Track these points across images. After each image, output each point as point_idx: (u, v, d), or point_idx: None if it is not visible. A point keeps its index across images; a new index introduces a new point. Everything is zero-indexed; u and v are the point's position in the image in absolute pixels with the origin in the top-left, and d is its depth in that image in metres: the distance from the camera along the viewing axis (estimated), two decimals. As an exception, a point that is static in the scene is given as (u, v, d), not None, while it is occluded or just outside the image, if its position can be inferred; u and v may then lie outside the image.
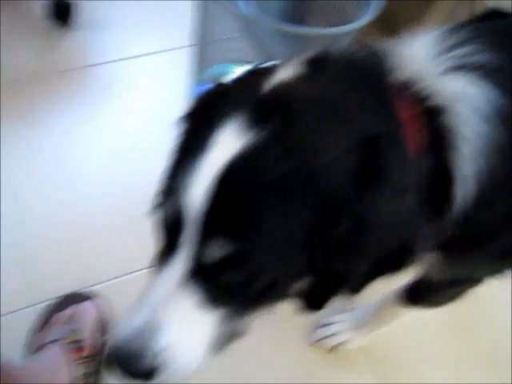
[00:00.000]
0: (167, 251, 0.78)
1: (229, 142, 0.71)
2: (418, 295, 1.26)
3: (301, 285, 0.81)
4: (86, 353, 1.36)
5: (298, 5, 1.97)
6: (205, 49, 1.85)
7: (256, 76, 0.80)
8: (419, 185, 0.76)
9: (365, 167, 0.71)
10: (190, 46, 1.98)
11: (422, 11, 2.14)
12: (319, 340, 1.56)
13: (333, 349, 1.56)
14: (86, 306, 1.46)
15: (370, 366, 1.56)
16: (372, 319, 1.47)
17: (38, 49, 2.11)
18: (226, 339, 0.84)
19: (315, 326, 1.59)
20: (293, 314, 1.52)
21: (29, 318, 1.46)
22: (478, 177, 0.78)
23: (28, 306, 1.50)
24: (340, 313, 1.58)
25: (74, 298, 1.47)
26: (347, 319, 1.55)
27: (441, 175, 0.78)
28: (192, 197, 0.72)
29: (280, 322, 1.60)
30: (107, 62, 2.12)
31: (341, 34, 1.58)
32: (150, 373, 0.79)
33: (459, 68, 0.78)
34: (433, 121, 0.77)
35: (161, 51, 2.17)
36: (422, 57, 0.80)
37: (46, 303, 1.48)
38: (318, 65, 0.80)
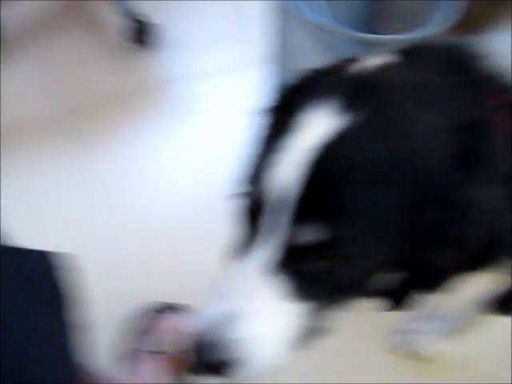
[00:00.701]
0: (251, 238, 0.76)
1: (321, 124, 0.69)
2: (506, 302, 1.22)
3: (388, 277, 0.79)
4: (182, 365, 1.38)
5: (370, 11, 1.97)
6: (280, 61, 1.88)
7: (345, 64, 0.79)
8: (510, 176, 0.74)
9: (463, 152, 0.70)
10: (266, 59, 2.00)
11: (495, 10, 2.10)
12: (401, 346, 1.55)
13: (415, 355, 1.54)
14: (180, 318, 1.46)
15: (454, 374, 1.53)
16: (458, 325, 1.44)
17: (118, 69, 2.20)
18: (307, 335, 0.81)
19: (398, 332, 1.57)
20: (374, 319, 1.54)
21: (120, 327, 1.50)
22: None
23: (118, 317, 1.54)
24: (424, 319, 1.56)
25: (167, 310, 1.48)
26: (431, 325, 1.53)
27: None
28: (283, 180, 0.70)
29: (361, 326, 1.58)
30: (184, 79, 2.19)
31: (418, 39, 1.57)
32: (228, 365, 0.76)
33: None
34: None
35: (237, 66, 2.21)
36: (507, 51, 0.80)
37: (138, 314, 1.52)
38: (408, 55, 0.80)
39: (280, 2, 1.73)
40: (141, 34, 2.21)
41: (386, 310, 0.87)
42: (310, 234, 0.69)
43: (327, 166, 0.68)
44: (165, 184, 1.88)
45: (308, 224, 0.69)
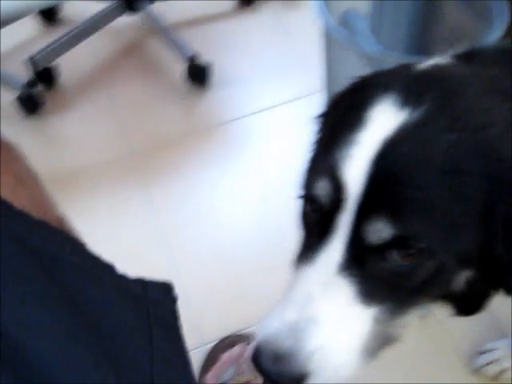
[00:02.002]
0: (316, 240, 0.73)
1: (386, 118, 0.68)
2: None
3: (459, 277, 0.75)
4: None
5: (422, 35, 1.97)
6: (333, 91, 1.90)
7: (404, 67, 0.79)
8: None
9: None
10: (320, 91, 2.03)
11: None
12: (482, 367, 1.51)
13: (497, 377, 1.49)
14: (251, 347, 1.43)
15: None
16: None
17: (178, 111, 2.27)
18: (378, 343, 0.76)
19: (477, 352, 1.54)
20: (453, 340, 1.51)
21: (195, 358, 1.52)
22: None
23: (195, 348, 1.56)
24: (500, 338, 1.53)
25: (239, 339, 1.49)
26: (507, 345, 1.49)
27: None
28: (349, 177, 0.68)
29: (440, 346, 1.58)
30: (243, 117, 2.23)
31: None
32: (300, 377, 0.71)
33: None
34: None
35: (293, 99, 2.24)
36: None
37: (211, 344, 1.54)
38: (464, 57, 0.81)
39: (329, 33, 1.77)
40: (197, 74, 2.29)
41: (454, 315, 0.86)
42: (378, 232, 0.67)
43: (395, 159, 0.66)
44: (223, 220, 1.92)
45: (375, 222, 0.67)
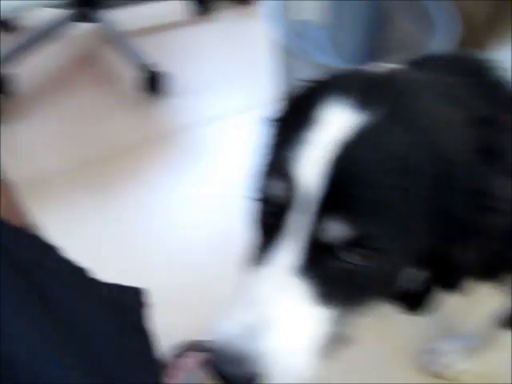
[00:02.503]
0: (272, 241, 0.73)
1: (342, 120, 0.69)
2: None
3: (412, 276, 0.77)
4: None
5: (377, 46, 2.02)
6: (286, 100, 1.92)
7: (358, 71, 0.80)
8: None
9: (485, 144, 0.71)
10: (274, 99, 2.06)
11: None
12: (428, 364, 1.56)
13: (442, 374, 1.55)
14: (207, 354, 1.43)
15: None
16: (478, 343, 1.47)
17: (133, 119, 2.27)
18: (333, 343, 0.77)
19: (423, 350, 1.59)
20: (402, 339, 1.55)
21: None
22: None
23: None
24: (448, 337, 1.59)
25: (197, 347, 1.49)
26: (454, 343, 1.55)
27: None
28: (305, 177, 0.69)
29: (385, 345, 1.62)
30: (198, 125, 2.25)
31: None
32: (256, 379, 0.71)
33: None
34: None
35: (247, 108, 2.28)
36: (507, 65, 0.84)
37: (168, 352, 1.53)
38: (417, 64, 0.84)
39: (285, 44, 1.80)
40: (152, 83, 2.30)
41: (406, 314, 0.87)
42: (335, 232, 0.68)
43: (350, 161, 0.67)
44: (182, 227, 1.94)
45: (333, 222, 0.68)
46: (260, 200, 0.77)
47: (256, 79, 2.34)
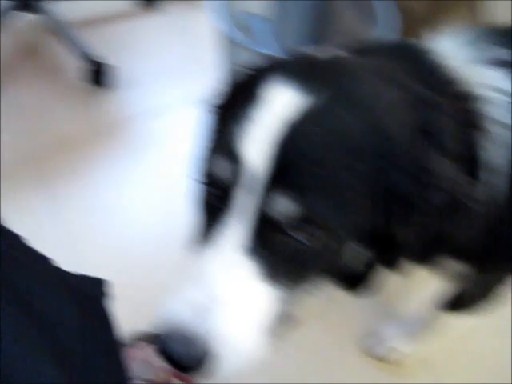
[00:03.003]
0: (219, 221, 0.73)
1: (287, 101, 0.70)
2: (451, 302, 1.30)
3: (357, 255, 0.79)
4: None
5: (318, 38, 2.04)
6: (230, 90, 1.93)
7: (301, 55, 0.82)
8: (461, 157, 0.78)
9: (424, 125, 0.74)
10: (218, 90, 2.07)
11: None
12: (372, 348, 1.61)
13: (385, 357, 1.60)
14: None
15: (426, 372, 1.60)
16: (418, 326, 1.52)
17: (77, 111, 2.24)
18: (279, 322, 0.78)
19: (367, 334, 1.64)
20: (346, 324, 1.59)
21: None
22: (503, 168, 0.82)
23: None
24: (389, 322, 1.63)
25: (145, 338, 1.48)
26: (397, 328, 1.60)
27: (472, 158, 0.81)
28: (252, 156, 0.69)
29: (331, 331, 1.66)
30: (144, 116, 2.24)
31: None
32: (207, 358, 0.70)
33: (485, 61, 0.85)
34: (469, 104, 0.82)
35: (192, 99, 2.26)
36: (450, 49, 0.87)
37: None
38: (358, 50, 0.86)
39: (229, 36, 1.82)
40: (97, 75, 2.27)
41: (348, 293, 0.89)
42: (282, 209, 0.69)
43: (296, 140, 0.68)
44: (127, 217, 1.93)
45: (279, 199, 0.68)
46: (206, 181, 0.77)
47: (202, 71, 2.34)
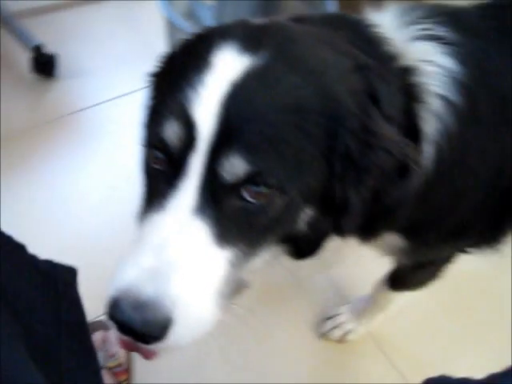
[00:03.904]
0: (166, 186, 0.72)
1: (230, 62, 0.70)
2: (398, 280, 1.35)
3: (305, 218, 0.79)
4: (125, 376, 1.41)
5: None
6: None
7: (239, 21, 0.81)
8: (402, 125, 0.80)
9: (365, 88, 0.75)
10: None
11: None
12: (328, 331, 1.63)
13: (342, 339, 1.62)
14: (112, 332, 1.41)
15: (382, 350, 1.64)
16: (370, 307, 1.55)
17: (27, 101, 2.21)
18: (231, 289, 0.76)
19: (323, 318, 1.66)
20: (300, 309, 1.61)
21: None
22: (438, 138, 0.84)
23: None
24: (341, 305, 1.67)
25: (99, 325, 1.47)
26: (348, 310, 1.63)
27: (411, 128, 0.83)
28: (200, 117, 0.68)
29: (289, 315, 1.68)
30: (94, 105, 2.22)
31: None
32: (165, 324, 0.67)
33: (424, 37, 0.87)
34: (407, 77, 0.84)
35: (141, 88, 2.23)
36: (391, 25, 0.89)
37: None
38: (295, 19, 0.86)
39: (175, 23, 1.82)
40: (45, 65, 2.24)
41: (293, 259, 0.89)
42: (233, 169, 0.68)
43: (243, 100, 0.68)
44: (81, 205, 1.92)
45: (230, 158, 0.68)
46: (151, 144, 0.75)
47: (151, 59, 2.30)
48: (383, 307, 1.50)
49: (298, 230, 0.81)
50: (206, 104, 0.68)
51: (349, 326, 1.61)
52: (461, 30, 0.90)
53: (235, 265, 0.74)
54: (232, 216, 0.72)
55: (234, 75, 0.69)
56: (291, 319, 1.68)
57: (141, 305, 0.66)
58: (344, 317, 1.63)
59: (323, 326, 1.65)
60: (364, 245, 1.06)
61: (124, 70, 2.34)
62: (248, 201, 0.71)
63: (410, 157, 0.78)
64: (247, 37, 0.73)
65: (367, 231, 0.95)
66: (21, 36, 2.24)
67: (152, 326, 0.67)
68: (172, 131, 0.70)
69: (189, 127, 0.69)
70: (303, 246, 0.86)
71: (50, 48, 2.24)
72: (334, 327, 1.63)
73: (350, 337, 1.62)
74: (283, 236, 0.81)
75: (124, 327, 0.68)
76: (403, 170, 0.78)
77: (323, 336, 1.64)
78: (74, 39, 2.45)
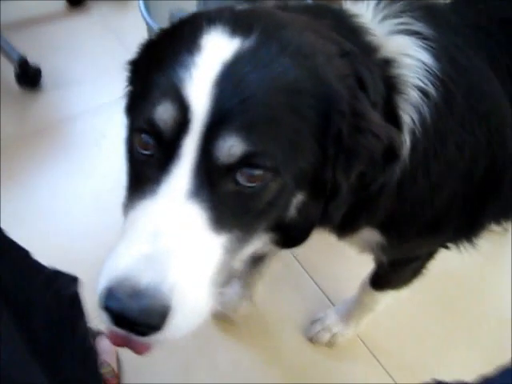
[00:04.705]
0: (157, 171, 0.69)
1: (219, 44, 0.70)
2: (381, 279, 1.36)
3: (296, 203, 0.79)
4: (116, 382, 1.41)
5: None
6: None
7: (224, 7, 0.81)
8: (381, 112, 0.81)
9: (352, 73, 0.76)
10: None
11: None
12: (315, 335, 1.63)
13: (330, 342, 1.63)
14: (103, 339, 1.44)
15: (372, 353, 1.64)
16: (356, 309, 1.56)
17: (13, 112, 2.21)
18: (223, 277, 0.74)
19: (310, 322, 1.66)
20: (288, 314, 1.61)
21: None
22: (415, 128, 0.86)
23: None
24: (327, 308, 1.68)
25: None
26: (335, 312, 1.63)
27: (391, 118, 0.84)
28: (193, 98, 0.67)
29: (276, 320, 1.68)
30: (79, 114, 2.23)
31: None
32: (164, 312, 0.65)
33: (401, 32, 0.90)
34: (388, 69, 0.86)
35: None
36: (370, 17, 0.90)
37: None
38: (278, 7, 0.87)
39: (153, 30, 1.83)
40: (29, 76, 2.25)
41: (281, 248, 0.89)
42: (228, 150, 0.67)
43: (236, 80, 0.68)
44: (74, 214, 1.92)
45: (225, 138, 0.67)
46: (138, 130, 0.73)
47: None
48: (370, 308, 1.51)
49: (288, 216, 0.80)
50: (200, 84, 0.67)
51: (336, 329, 1.62)
52: (435, 26, 0.93)
53: (230, 251, 0.73)
54: (227, 200, 0.70)
55: (226, 56, 0.69)
56: (279, 322, 1.69)
57: (138, 293, 0.63)
58: (331, 319, 1.63)
59: (311, 329, 1.64)
60: (342, 240, 1.07)
61: (108, 79, 2.34)
62: (242, 184, 0.70)
63: (396, 141, 0.79)
64: (236, 20, 0.73)
65: (347, 224, 0.95)
66: (5, 49, 2.24)
67: (150, 315, 0.64)
68: (165, 112, 0.68)
69: (182, 107, 0.67)
70: (292, 234, 0.85)
71: (34, 60, 2.24)
72: (322, 330, 1.63)
73: (339, 339, 1.62)
74: (274, 222, 0.80)
75: (119, 317, 0.65)
76: (389, 154, 0.79)
77: (312, 339, 1.64)
78: (58, 50, 2.46)
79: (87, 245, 1.81)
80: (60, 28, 2.56)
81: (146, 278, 0.63)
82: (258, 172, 0.69)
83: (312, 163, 0.74)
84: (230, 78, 0.67)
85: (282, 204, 0.77)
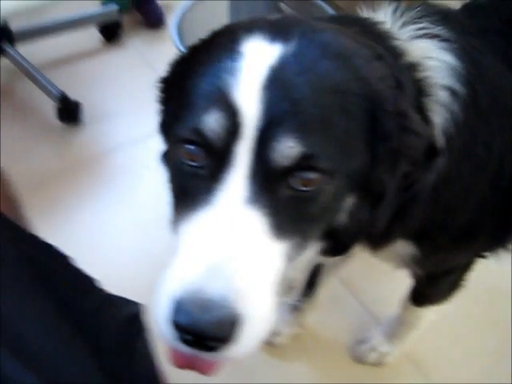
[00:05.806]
0: (208, 181, 0.68)
1: (262, 50, 0.70)
2: (420, 295, 1.34)
3: (347, 207, 0.78)
4: None
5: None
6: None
7: (257, 17, 0.82)
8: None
9: (393, 75, 0.77)
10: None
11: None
12: (362, 355, 1.62)
13: (378, 362, 1.61)
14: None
15: (421, 371, 1.62)
16: (400, 327, 1.54)
17: (55, 147, 2.27)
18: (283, 286, 0.72)
19: (357, 342, 1.65)
20: (333, 334, 1.60)
21: None
22: (447, 128, 0.87)
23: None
24: (372, 327, 1.67)
25: None
26: (380, 332, 1.62)
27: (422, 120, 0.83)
28: (244, 103, 0.67)
29: (321, 342, 1.68)
30: (119, 146, 2.28)
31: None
32: (235, 322, 0.63)
33: (422, 36, 0.91)
34: (416, 73, 0.86)
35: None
36: (391, 24, 0.92)
37: None
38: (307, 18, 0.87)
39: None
40: (69, 112, 2.31)
41: (328, 256, 0.88)
42: (288, 150, 0.66)
43: (288, 83, 0.68)
44: (117, 247, 1.95)
45: (285, 139, 0.66)
46: (182, 142, 0.71)
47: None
48: (413, 325, 1.49)
49: (339, 220, 0.80)
50: (249, 89, 0.67)
51: (383, 348, 1.60)
52: (452, 29, 0.94)
53: (289, 259, 0.71)
54: (284, 206, 0.69)
55: (270, 60, 0.69)
56: (324, 344, 1.68)
57: (208, 304, 0.61)
58: (376, 338, 1.61)
59: (357, 349, 1.64)
60: (375, 254, 1.06)
61: (146, 110, 2.36)
62: (298, 189, 0.69)
63: (436, 140, 0.80)
64: (273, 27, 0.74)
65: (382, 235, 0.94)
66: (45, 87, 2.32)
67: (222, 326, 0.62)
68: (214, 120, 0.67)
69: (232, 114, 0.67)
70: (341, 239, 0.84)
71: (74, 95, 2.31)
72: (369, 350, 1.62)
73: (386, 358, 1.61)
74: (327, 227, 0.79)
75: (188, 333, 0.63)
76: (431, 152, 0.79)
77: (358, 359, 1.63)
78: (96, 85, 2.53)
79: (130, 275, 1.84)
80: (97, 63, 2.64)
81: (214, 289, 0.62)
82: (313, 175, 0.69)
83: (362, 164, 0.74)
84: (277, 82, 0.67)
85: (335, 208, 0.77)
